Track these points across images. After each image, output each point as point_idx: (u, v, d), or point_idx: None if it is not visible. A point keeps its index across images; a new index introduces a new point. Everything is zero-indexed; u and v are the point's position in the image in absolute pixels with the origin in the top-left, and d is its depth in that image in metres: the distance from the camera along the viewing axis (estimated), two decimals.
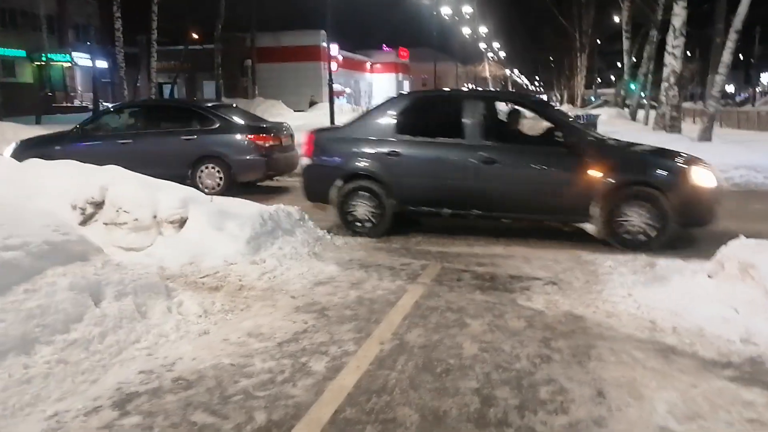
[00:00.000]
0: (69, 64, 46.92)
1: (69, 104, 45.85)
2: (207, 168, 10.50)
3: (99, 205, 6.27)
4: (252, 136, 10.52)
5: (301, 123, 16.94)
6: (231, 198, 7.04)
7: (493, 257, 6.43)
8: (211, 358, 3.81)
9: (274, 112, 33.09)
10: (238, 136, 10.57)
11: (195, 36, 42.74)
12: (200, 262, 5.76)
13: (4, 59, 41.66)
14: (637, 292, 4.98)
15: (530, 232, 7.47)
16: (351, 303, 4.90)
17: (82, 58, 46.56)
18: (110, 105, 37.60)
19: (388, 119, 7.54)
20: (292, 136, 11.50)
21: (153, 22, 31.02)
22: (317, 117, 30.36)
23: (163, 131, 10.88)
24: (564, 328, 4.31)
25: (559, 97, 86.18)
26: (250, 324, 4.40)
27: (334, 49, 48.01)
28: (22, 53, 42.16)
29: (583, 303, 4.85)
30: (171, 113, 11.62)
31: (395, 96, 8.63)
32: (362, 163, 7.44)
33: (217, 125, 10.66)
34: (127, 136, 10.90)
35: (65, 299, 3.78)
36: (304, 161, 7.93)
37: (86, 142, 10.96)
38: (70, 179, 6.50)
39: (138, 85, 43.40)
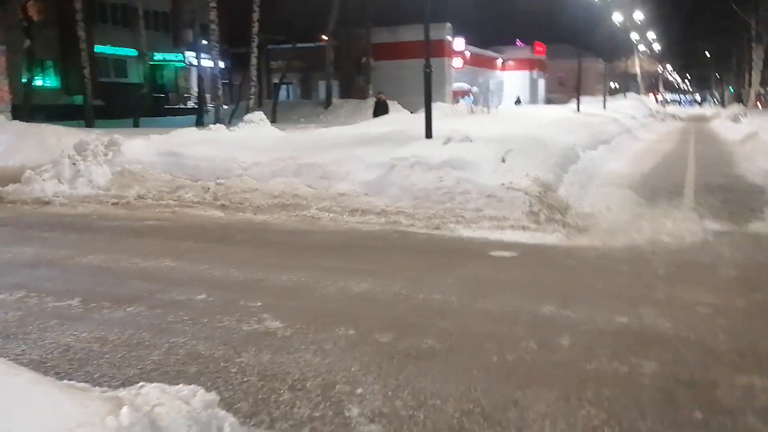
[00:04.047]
0: (182, 64, 44.74)
1: (182, 105, 43.78)
2: None
3: None
4: None
5: (385, 130, 12.06)
6: None
7: None
8: None
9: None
10: None
11: (324, 36, 38.82)
12: None
13: (116, 59, 39.93)
14: None
15: None
16: None
17: (195, 58, 44.29)
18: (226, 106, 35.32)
19: None
20: None
21: (254, 14, 27.43)
22: (406, 122, 24.38)
23: None
24: None
25: (718, 97, 75.88)
26: None
27: (461, 43, 43.17)
28: (133, 52, 40.15)
29: None
30: None
31: None
32: None
33: None
34: None
35: None
36: None
37: None
38: None
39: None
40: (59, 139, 15.81)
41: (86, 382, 3.58)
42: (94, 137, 11.19)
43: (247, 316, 4.70)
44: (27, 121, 18.75)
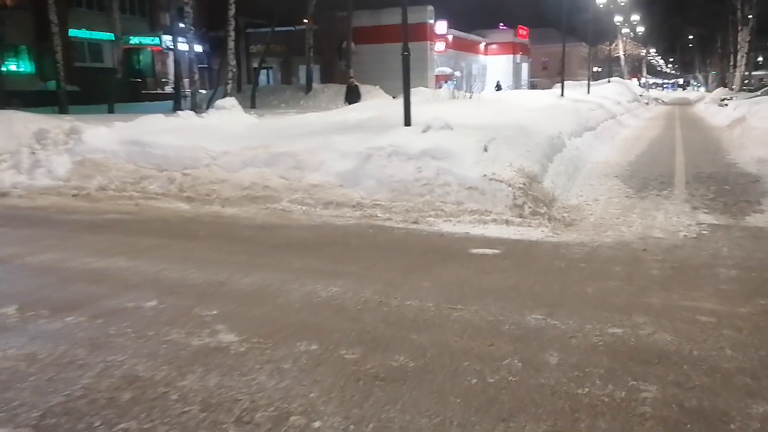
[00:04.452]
0: (159, 48, 43.73)
1: (160, 90, 42.87)
2: None
3: None
4: None
5: (363, 117, 11.52)
6: None
7: None
8: None
9: (368, 98, 27.91)
10: None
11: (304, 20, 37.87)
12: None
13: (91, 43, 38.95)
14: None
15: None
16: None
17: (172, 42, 43.29)
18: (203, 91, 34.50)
19: None
20: None
21: None
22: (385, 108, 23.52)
23: None
24: None
25: (701, 80, 75.88)
26: None
27: (443, 26, 42.51)
28: (110, 36, 39.11)
29: None
30: None
31: None
32: None
33: None
34: None
35: None
36: None
37: None
38: None
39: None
40: (27, 126, 15.08)
41: (2, 412, 3.12)
42: (55, 124, 10.59)
43: (199, 327, 4.20)
44: None
